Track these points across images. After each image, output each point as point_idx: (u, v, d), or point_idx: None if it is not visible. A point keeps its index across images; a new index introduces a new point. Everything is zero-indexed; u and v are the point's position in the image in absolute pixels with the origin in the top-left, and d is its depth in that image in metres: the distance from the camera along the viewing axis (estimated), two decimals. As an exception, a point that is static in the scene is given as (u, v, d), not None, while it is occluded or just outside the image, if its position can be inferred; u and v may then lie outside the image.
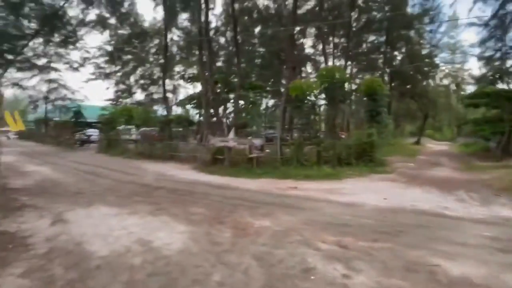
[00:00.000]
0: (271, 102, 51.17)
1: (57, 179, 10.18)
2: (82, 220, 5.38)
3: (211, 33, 24.38)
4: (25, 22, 21.31)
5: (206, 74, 15.03)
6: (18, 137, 43.42)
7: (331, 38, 33.46)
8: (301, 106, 12.94)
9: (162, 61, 28.79)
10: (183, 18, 41.63)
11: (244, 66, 21.75)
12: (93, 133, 27.79)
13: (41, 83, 36.14)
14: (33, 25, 21.51)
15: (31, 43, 33.78)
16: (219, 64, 34.13)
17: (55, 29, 24.86)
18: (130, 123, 21.09)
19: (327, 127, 13.68)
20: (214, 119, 19.15)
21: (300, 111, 13.04)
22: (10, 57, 21.14)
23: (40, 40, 35.47)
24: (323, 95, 13.38)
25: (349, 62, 32.41)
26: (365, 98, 16.07)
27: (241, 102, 21.03)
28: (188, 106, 22.69)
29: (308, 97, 12.96)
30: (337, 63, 32.56)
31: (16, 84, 36.25)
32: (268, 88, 23.28)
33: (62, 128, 29.03)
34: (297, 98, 12.92)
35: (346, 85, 13.77)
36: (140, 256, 3.88)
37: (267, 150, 13.82)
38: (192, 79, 19.14)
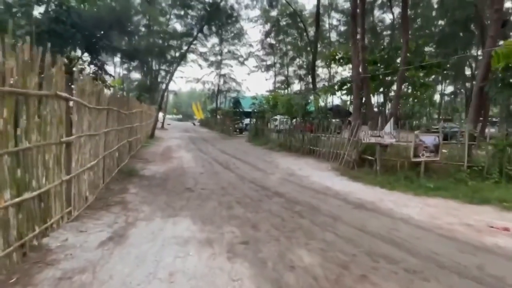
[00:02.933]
0: (449, 88, 40.71)
1: (187, 169, 9.78)
2: (137, 244, 3.81)
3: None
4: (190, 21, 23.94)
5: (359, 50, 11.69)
6: (199, 124, 52.42)
7: None
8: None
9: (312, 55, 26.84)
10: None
11: (415, 42, 16.57)
12: (249, 122, 29.30)
13: (217, 78, 41.74)
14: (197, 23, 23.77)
15: (209, 44, 39.23)
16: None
17: (220, 25, 26.82)
18: (277, 113, 20.21)
19: None
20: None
21: (508, 91, 7.81)
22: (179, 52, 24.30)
23: (216, 40, 40.87)
24: None
25: None
26: None
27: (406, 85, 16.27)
28: (338, 94, 19.68)
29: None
30: None
31: (198, 80, 43.33)
32: (445, 69, 16.99)
33: (226, 117, 32.00)
34: (508, 71, 7.77)
35: None
36: None
37: (443, 150, 9.31)
38: (342, 60, 15.97)
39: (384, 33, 36.52)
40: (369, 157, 9.11)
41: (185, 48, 28.00)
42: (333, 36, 41.47)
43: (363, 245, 4.01)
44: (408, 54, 15.14)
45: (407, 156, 8.41)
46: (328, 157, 11.24)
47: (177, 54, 29.12)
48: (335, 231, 4.54)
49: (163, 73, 32.37)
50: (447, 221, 5.15)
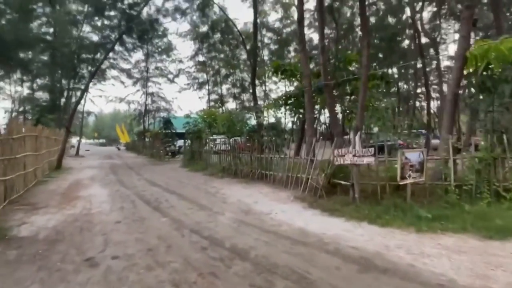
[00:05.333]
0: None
1: (97, 216, 6.74)
2: None
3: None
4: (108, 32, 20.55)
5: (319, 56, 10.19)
6: (125, 148, 46.78)
7: None
8: (491, 88, 6.89)
9: (251, 67, 25.28)
10: (274, 19, 38.60)
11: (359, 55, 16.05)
12: (183, 144, 26.35)
13: (143, 97, 37.76)
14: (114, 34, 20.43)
15: (133, 59, 35.48)
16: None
17: (144, 37, 23.74)
18: (215, 132, 17.89)
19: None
20: (320, 122, 14.27)
21: (490, 97, 6.95)
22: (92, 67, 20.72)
23: (141, 55, 37.26)
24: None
25: None
26: None
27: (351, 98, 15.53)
28: (282, 111, 18.20)
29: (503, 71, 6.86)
30: None
31: (121, 99, 38.75)
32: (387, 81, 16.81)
33: (155, 139, 28.42)
34: (484, 75, 6.94)
35: None
36: None
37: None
38: (286, 72, 14.55)
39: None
40: (342, 182, 7.33)
41: (103, 62, 24.21)
42: (266, 54, 41.20)
43: None
44: (356, 65, 14.47)
45: (388, 177, 6.84)
46: (286, 183, 9.24)
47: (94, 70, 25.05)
48: None
49: (76, 91, 27.60)
50: (506, 281, 3.40)
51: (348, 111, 13.73)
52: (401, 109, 33.42)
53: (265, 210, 6.96)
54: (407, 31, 26.87)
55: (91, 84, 29.20)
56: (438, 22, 25.90)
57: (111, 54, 29.33)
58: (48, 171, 14.80)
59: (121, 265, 4.08)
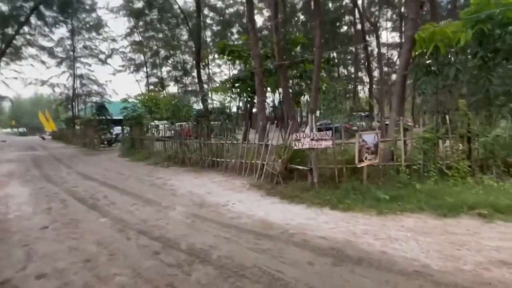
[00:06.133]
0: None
1: (16, 221, 5.52)
2: None
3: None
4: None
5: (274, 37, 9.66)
6: (51, 137, 41.64)
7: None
8: (436, 70, 7.18)
9: (194, 45, 23.82)
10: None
11: (307, 38, 15.91)
12: (121, 131, 24.16)
13: (71, 79, 33.62)
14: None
15: (55, 36, 31.13)
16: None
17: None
18: (158, 118, 16.53)
19: (475, 107, 7.77)
20: (265, 105, 14.02)
21: (435, 79, 7.25)
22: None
23: (65, 31, 32.88)
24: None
25: None
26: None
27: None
28: (228, 95, 17.37)
29: (448, 55, 7.21)
30: None
31: (44, 82, 34.09)
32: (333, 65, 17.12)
33: (88, 126, 25.60)
34: (430, 57, 7.19)
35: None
36: None
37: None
38: (233, 53, 13.81)
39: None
40: (299, 167, 7.09)
41: (16, 38, 20.64)
42: (208, 35, 39.47)
43: None
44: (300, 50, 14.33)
45: (345, 160, 6.78)
46: (239, 170, 8.77)
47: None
48: None
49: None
50: (474, 260, 3.41)
51: (296, 93, 13.64)
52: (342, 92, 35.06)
53: (220, 201, 6.42)
54: (347, 17, 27.82)
55: (2, 64, 24.99)
56: (373, 9, 27.21)
57: (27, 29, 25.29)
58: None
59: (50, 286, 3.24)
